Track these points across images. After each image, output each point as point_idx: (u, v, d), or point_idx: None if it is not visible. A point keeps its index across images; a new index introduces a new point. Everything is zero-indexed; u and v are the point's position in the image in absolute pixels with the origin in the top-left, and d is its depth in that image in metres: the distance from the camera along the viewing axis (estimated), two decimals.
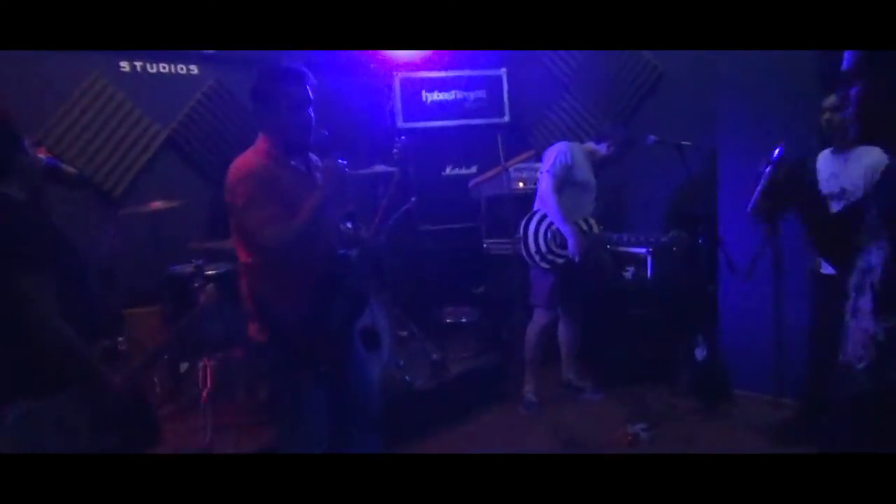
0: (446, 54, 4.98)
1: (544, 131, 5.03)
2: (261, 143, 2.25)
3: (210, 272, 3.19)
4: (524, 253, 3.76)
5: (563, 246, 3.65)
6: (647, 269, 4.29)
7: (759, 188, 2.97)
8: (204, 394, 3.01)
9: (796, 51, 3.50)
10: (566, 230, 3.61)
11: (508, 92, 4.88)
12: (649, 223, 4.44)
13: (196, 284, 3.08)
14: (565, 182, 3.67)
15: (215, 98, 4.37)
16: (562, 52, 4.93)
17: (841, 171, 3.14)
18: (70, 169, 2.24)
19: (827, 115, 3.15)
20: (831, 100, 3.15)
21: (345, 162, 2.19)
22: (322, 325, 2.24)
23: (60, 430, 2.02)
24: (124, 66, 4.08)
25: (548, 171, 3.68)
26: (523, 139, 5.00)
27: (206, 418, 2.99)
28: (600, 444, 3.35)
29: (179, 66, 4.29)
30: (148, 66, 4.17)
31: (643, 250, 4.29)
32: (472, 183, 4.62)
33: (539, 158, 4.09)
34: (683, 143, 3.61)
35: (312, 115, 2.25)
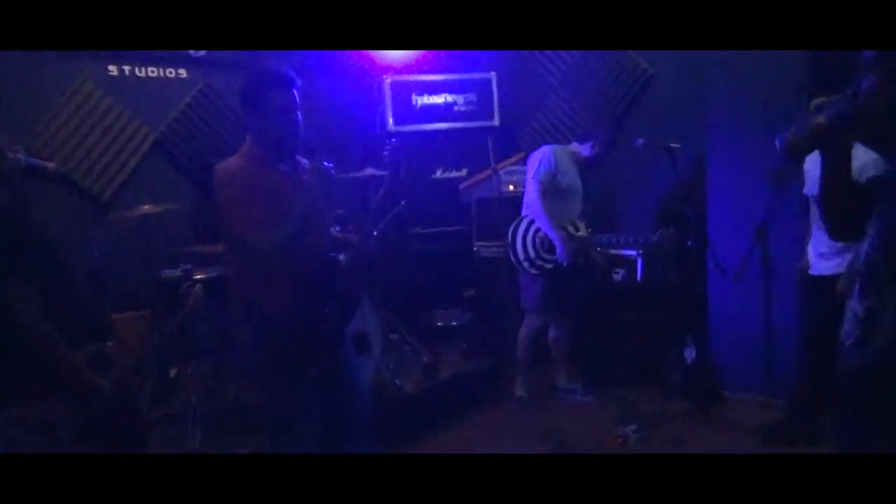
0: (436, 58, 4.99)
1: (534, 134, 5.04)
2: (248, 147, 2.25)
3: (199, 276, 3.17)
4: (513, 259, 3.77)
5: (552, 251, 3.66)
6: (637, 271, 4.31)
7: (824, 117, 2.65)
8: (191, 399, 2.99)
9: (785, 53, 3.58)
10: (554, 235, 3.62)
11: (498, 95, 4.89)
12: (639, 225, 4.45)
13: (184, 289, 3.05)
14: (551, 187, 3.68)
15: (204, 102, 4.35)
16: (551, 55, 4.94)
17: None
18: (49, 165, 2.23)
19: (814, 117, 3.16)
20: (820, 101, 3.17)
21: (331, 164, 2.19)
22: (312, 328, 2.24)
23: (46, 435, 2.01)
24: (112, 69, 4.05)
25: (533, 177, 3.70)
26: (513, 142, 5.01)
27: (194, 423, 2.97)
28: (591, 446, 3.36)
29: (168, 69, 4.27)
30: (136, 69, 4.14)
31: (633, 252, 4.30)
32: (462, 186, 4.62)
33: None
34: (672, 145, 3.63)
35: (300, 118, 2.25)
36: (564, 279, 3.74)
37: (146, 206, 3.41)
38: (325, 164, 2.22)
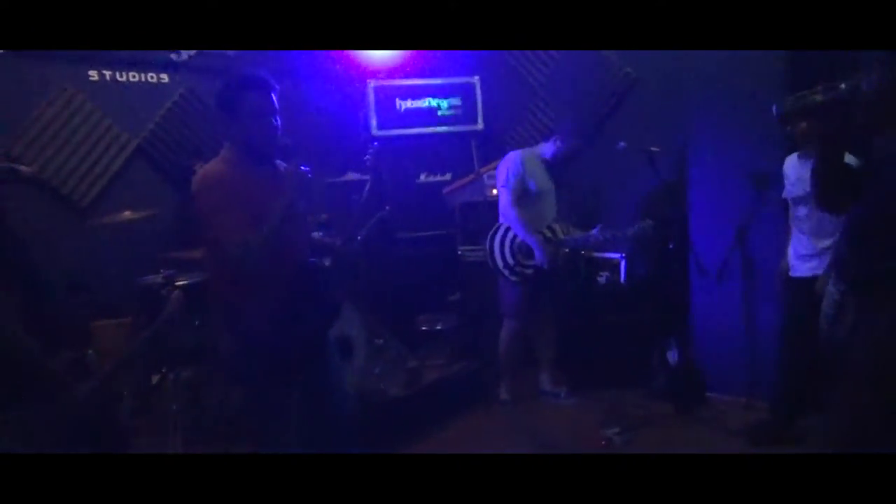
0: (420, 62, 5.00)
1: (518, 138, 5.05)
2: (226, 152, 2.24)
3: (181, 282, 3.15)
4: (493, 266, 3.78)
5: (530, 256, 3.67)
6: (620, 274, 4.33)
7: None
8: (173, 406, 2.96)
9: (766, 57, 3.62)
10: (531, 241, 3.64)
11: (482, 99, 4.90)
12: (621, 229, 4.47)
13: (165, 295, 3.03)
14: (522, 193, 3.69)
15: (186, 106, 4.34)
16: (535, 60, 4.96)
17: (807, 176, 3.18)
18: (23, 168, 2.22)
19: (791, 127, 3.19)
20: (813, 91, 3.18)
21: (307, 168, 2.18)
22: (294, 334, 2.22)
23: (24, 443, 1.98)
24: (93, 74, 4.03)
25: (503, 186, 3.73)
26: (497, 146, 5.01)
27: (176, 430, 2.94)
28: (575, 448, 3.36)
29: (150, 74, 4.25)
30: (117, 74, 4.13)
31: (617, 255, 4.33)
32: (446, 190, 4.63)
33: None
34: (653, 148, 3.65)
35: (278, 123, 2.25)
36: (543, 284, 3.75)
37: (126, 213, 3.38)
38: (303, 168, 2.22)
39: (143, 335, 2.83)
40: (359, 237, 3.42)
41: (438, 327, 4.63)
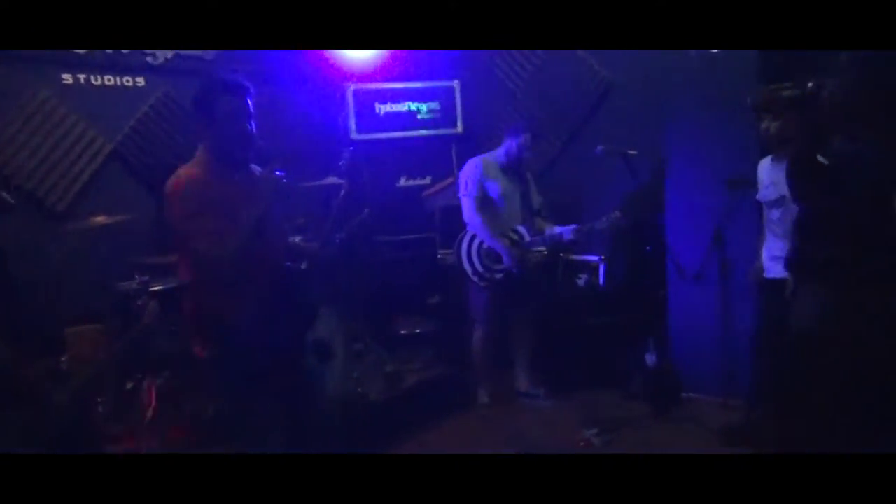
0: (399, 66, 5.00)
1: (497, 142, 5.06)
2: (200, 156, 2.23)
3: (156, 288, 3.12)
4: (462, 273, 3.81)
5: (499, 261, 3.69)
6: (599, 276, 4.36)
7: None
8: (149, 413, 2.93)
9: (741, 62, 3.67)
10: (497, 246, 3.66)
11: (461, 103, 4.91)
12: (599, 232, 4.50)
13: (140, 301, 3.00)
14: (483, 200, 3.73)
15: (163, 110, 4.29)
16: (513, 64, 4.98)
17: (780, 179, 3.23)
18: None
19: (765, 125, 3.24)
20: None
21: (283, 173, 2.18)
22: (269, 340, 2.21)
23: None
24: (67, 78, 3.98)
25: (464, 195, 3.76)
26: (477, 150, 4.99)
27: (150, 438, 2.92)
28: (555, 449, 3.37)
29: (125, 77, 4.20)
30: (92, 77, 4.07)
31: (596, 258, 4.36)
32: (425, 193, 4.63)
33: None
34: (630, 152, 3.67)
35: (253, 128, 2.24)
36: (514, 288, 3.76)
37: (100, 217, 3.34)
38: (278, 172, 2.21)
39: (121, 342, 2.79)
40: (337, 240, 3.42)
41: (418, 331, 4.64)
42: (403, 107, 4.85)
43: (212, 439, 3.01)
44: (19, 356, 2.17)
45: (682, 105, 3.87)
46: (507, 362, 4.04)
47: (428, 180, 4.83)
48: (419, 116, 4.88)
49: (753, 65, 3.62)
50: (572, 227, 3.75)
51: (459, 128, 4.91)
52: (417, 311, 4.71)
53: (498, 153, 3.89)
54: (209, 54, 4.45)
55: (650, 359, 3.83)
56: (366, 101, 4.76)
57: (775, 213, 3.21)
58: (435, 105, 4.91)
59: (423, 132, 4.85)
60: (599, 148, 3.71)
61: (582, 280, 4.45)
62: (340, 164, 2.94)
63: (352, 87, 4.74)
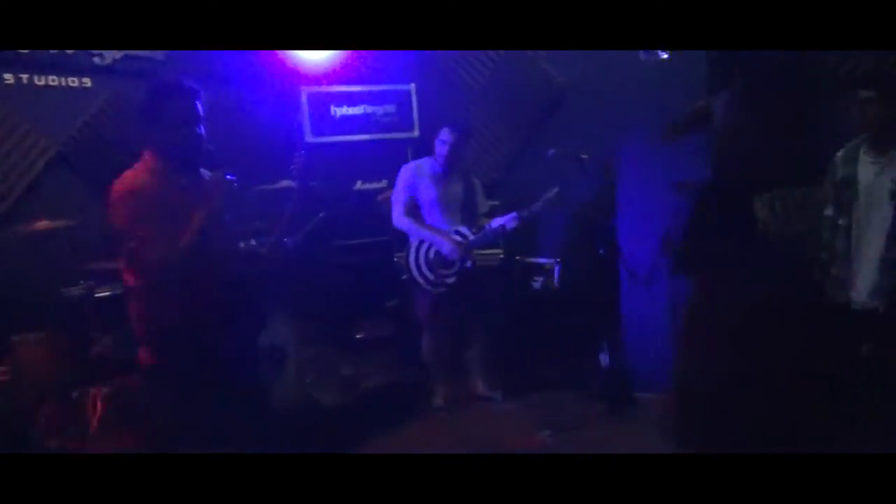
0: (355, 68, 4.98)
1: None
2: (146, 160, 2.19)
3: (102, 294, 3.04)
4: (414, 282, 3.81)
5: (448, 266, 3.70)
6: (554, 278, 4.42)
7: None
8: (94, 423, 2.85)
9: (689, 66, 3.78)
10: (436, 240, 3.68)
11: (418, 106, 4.92)
12: (553, 235, 4.57)
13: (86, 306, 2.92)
14: (412, 205, 3.76)
15: (110, 112, 4.19)
16: (469, 68, 5.02)
17: None
18: None
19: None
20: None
21: (233, 177, 2.15)
22: (217, 346, 2.18)
23: None
24: (8, 78, 3.84)
25: (393, 201, 3.79)
26: (433, 153, 5.05)
27: (95, 448, 2.83)
28: (510, 451, 3.40)
29: (71, 78, 4.08)
30: (35, 78, 3.94)
31: (550, 260, 4.42)
32: (380, 197, 4.62)
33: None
34: (582, 155, 3.73)
35: (203, 131, 2.21)
36: (460, 291, 3.78)
37: (42, 222, 3.24)
38: (228, 176, 2.19)
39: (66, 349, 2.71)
40: (291, 244, 3.38)
41: (376, 335, 4.62)
42: (359, 110, 4.83)
43: (161, 450, 2.93)
44: None
45: (633, 108, 3.95)
46: (462, 365, 4.05)
47: (384, 184, 4.81)
48: (375, 120, 4.86)
49: (703, 69, 3.73)
50: (511, 214, 3.73)
51: (416, 131, 4.91)
52: (375, 315, 4.70)
53: (430, 158, 3.90)
54: (160, 55, 4.36)
55: (604, 359, 3.89)
56: (321, 104, 4.73)
57: None
58: (391, 108, 4.90)
59: (379, 136, 4.84)
60: (552, 151, 3.77)
61: (537, 283, 4.50)
62: (294, 167, 2.90)
63: (306, 89, 4.70)
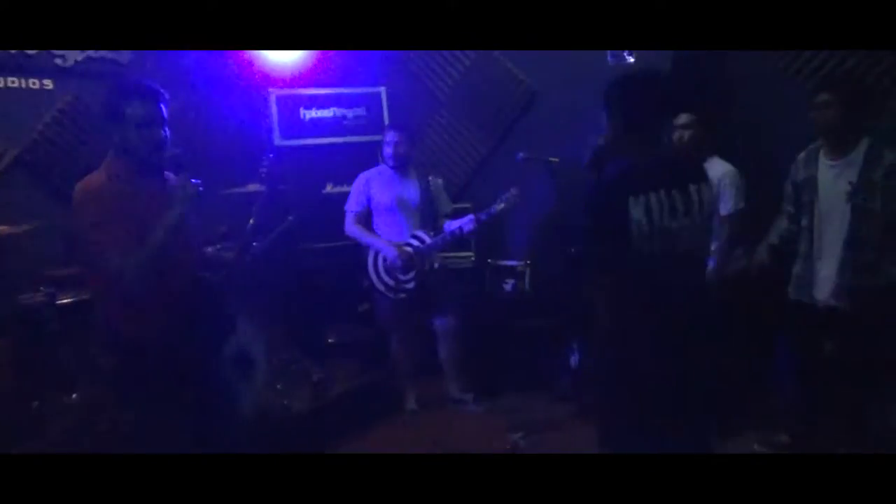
0: (324, 71, 4.94)
1: (423, 148, 5.08)
2: (109, 163, 2.15)
3: (64, 300, 2.97)
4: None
5: (405, 271, 3.70)
6: (525, 280, 4.44)
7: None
8: (56, 434, 2.78)
9: (656, 71, 3.81)
10: (381, 247, 3.72)
11: (388, 109, 4.90)
12: (524, 238, 4.59)
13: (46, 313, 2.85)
14: (366, 211, 3.80)
15: (73, 114, 4.09)
16: (440, 71, 5.02)
17: None
18: None
19: (677, 133, 3.39)
20: (682, 118, 3.39)
21: (198, 182, 2.12)
22: (180, 353, 2.14)
23: None
24: None
25: (346, 209, 3.79)
26: (410, 155, 5.03)
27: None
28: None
29: (31, 80, 3.98)
30: None
31: (521, 263, 4.44)
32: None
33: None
34: (551, 159, 3.76)
35: (167, 134, 2.17)
36: (419, 294, 3.78)
37: (2, 227, 3.16)
38: (193, 180, 2.15)
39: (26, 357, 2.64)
40: (259, 249, 3.34)
41: (347, 339, 4.59)
42: (329, 112, 4.79)
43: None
44: None
45: (601, 113, 3.97)
46: (433, 368, 4.04)
47: None
48: (345, 122, 4.83)
49: (668, 72, 3.79)
50: (468, 217, 3.73)
51: None
52: (347, 320, 4.66)
53: (383, 164, 3.89)
54: (124, 57, 4.28)
55: (574, 360, 3.92)
56: (290, 107, 4.69)
57: None
58: (361, 111, 4.87)
59: (349, 139, 4.81)
60: (520, 155, 3.78)
61: (509, 285, 4.52)
62: (262, 170, 2.87)
63: (275, 92, 4.66)
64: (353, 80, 4.93)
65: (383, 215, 3.82)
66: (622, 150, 2.12)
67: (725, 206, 3.28)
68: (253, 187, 3.89)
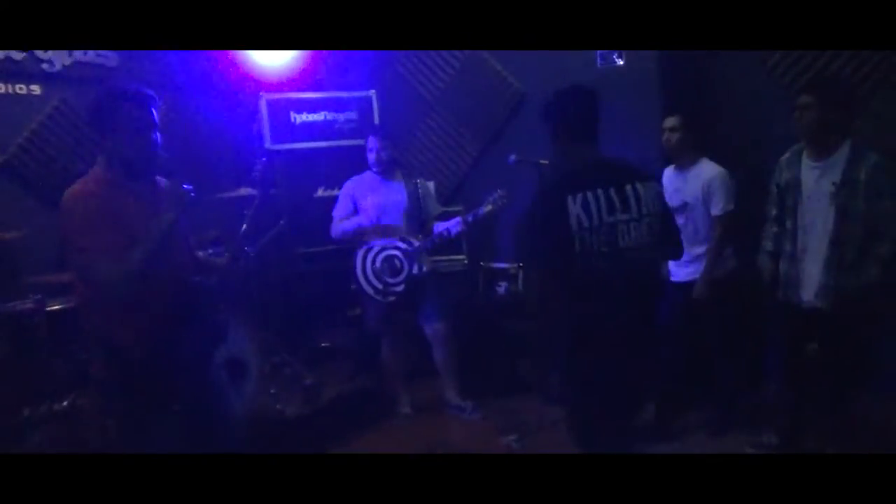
0: (315, 75, 4.94)
1: (414, 151, 5.10)
2: (98, 169, 2.13)
3: (53, 307, 2.95)
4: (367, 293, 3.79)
5: (394, 274, 3.69)
6: (518, 283, 4.44)
7: None
8: (46, 442, 2.76)
9: (644, 73, 3.85)
10: (363, 223, 3.71)
11: (379, 113, 4.90)
12: (514, 241, 4.59)
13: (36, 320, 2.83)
14: (350, 219, 3.78)
15: (60, 119, 4.07)
16: (430, 75, 5.03)
17: (682, 187, 3.40)
18: None
19: (666, 135, 3.40)
20: (670, 121, 3.41)
21: (190, 186, 2.11)
22: (173, 359, 2.13)
23: None
24: None
25: (332, 214, 3.80)
26: (393, 160, 5.02)
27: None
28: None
29: (18, 85, 3.96)
30: None
31: (513, 265, 4.44)
32: None
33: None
34: (542, 161, 3.76)
35: (157, 138, 2.15)
36: (421, 296, 3.77)
37: None
38: (185, 185, 2.14)
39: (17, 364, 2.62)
40: (251, 253, 3.33)
41: (339, 343, 4.58)
42: (320, 116, 4.79)
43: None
44: None
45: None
46: (425, 371, 4.02)
47: None
48: (336, 126, 4.83)
49: (657, 74, 3.81)
50: (455, 219, 3.72)
51: None
52: (338, 324, 4.65)
53: (369, 169, 3.90)
54: (112, 61, 4.26)
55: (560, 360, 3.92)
56: (281, 111, 4.68)
57: (679, 220, 3.36)
58: (352, 115, 4.88)
59: (340, 142, 4.81)
60: (512, 157, 3.78)
61: (501, 287, 4.52)
62: (254, 174, 2.87)
63: (265, 96, 4.65)
64: (343, 84, 4.93)
65: (360, 220, 3.81)
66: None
67: (715, 208, 3.30)
68: (244, 191, 3.89)
